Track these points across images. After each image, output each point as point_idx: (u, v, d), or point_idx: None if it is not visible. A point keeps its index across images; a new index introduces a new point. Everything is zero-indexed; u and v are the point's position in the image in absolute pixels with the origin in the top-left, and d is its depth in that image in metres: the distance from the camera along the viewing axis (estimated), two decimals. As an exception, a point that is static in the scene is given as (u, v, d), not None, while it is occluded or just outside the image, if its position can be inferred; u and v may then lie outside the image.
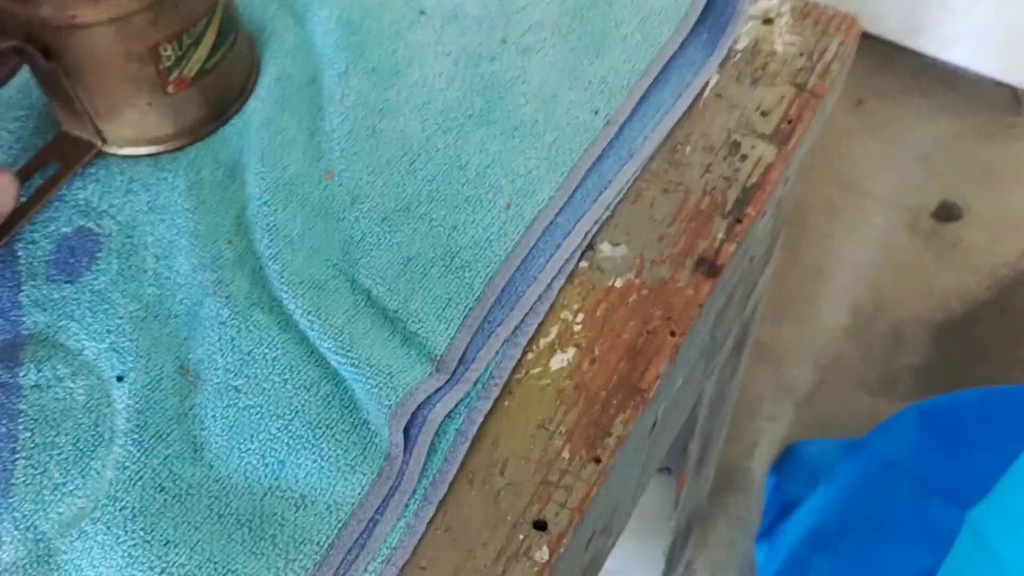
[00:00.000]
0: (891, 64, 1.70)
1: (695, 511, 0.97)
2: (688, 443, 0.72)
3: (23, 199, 0.50)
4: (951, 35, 1.59)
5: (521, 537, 0.43)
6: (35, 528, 0.43)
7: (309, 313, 0.47)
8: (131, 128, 0.51)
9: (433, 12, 0.56)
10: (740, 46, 0.56)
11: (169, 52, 0.48)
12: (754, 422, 1.45)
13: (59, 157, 0.52)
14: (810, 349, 1.50)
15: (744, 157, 0.52)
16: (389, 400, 0.44)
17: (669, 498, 0.80)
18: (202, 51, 0.50)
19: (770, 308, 1.52)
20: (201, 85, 0.51)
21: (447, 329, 0.47)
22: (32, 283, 0.48)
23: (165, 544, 0.42)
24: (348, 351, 0.46)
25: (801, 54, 0.55)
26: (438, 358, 0.46)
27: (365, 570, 0.42)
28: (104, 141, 0.52)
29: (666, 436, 0.58)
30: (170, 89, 0.50)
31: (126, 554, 0.42)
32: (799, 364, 1.49)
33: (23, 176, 0.51)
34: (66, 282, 0.48)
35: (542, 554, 0.43)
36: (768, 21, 0.56)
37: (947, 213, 1.58)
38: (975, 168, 1.62)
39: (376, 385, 0.45)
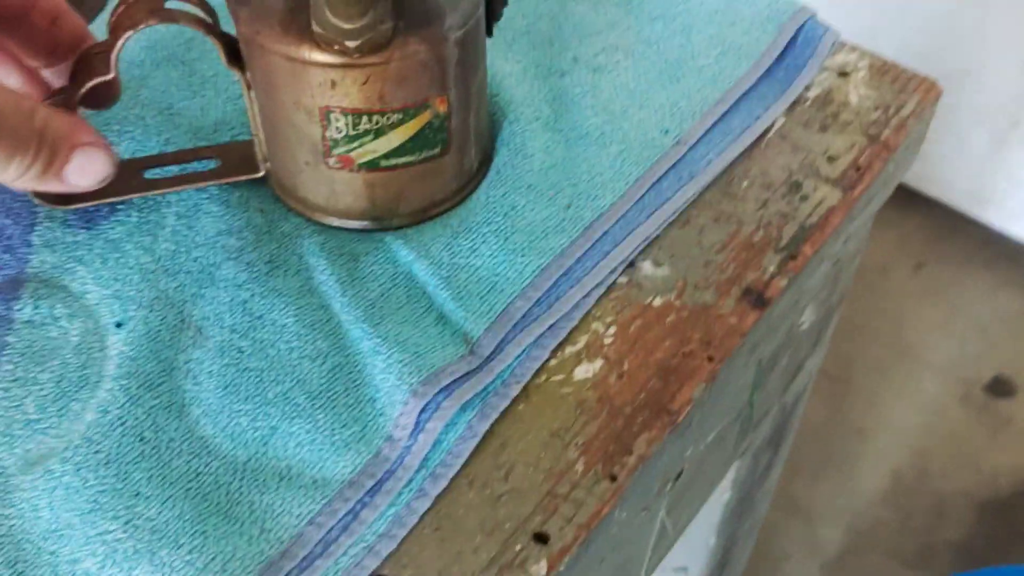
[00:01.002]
0: (955, 232, 1.68)
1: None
2: (708, 538, 0.67)
3: (169, 174, 0.48)
4: (1019, 208, 1.57)
5: (518, 548, 0.39)
6: (-3, 461, 0.40)
7: (343, 282, 0.44)
8: (286, 176, 0.47)
9: (503, 27, 0.55)
10: (811, 94, 0.54)
11: (340, 124, 0.43)
12: (777, 579, 1.37)
13: (224, 160, 0.48)
14: (845, 511, 1.43)
15: (805, 197, 0.49)
16: (412, 378, 0.41)
17: (684, 605, 0.74)
18: (379, 145, 0.44)
19: (807, 463, 1.46)
20: (369, 178, 0.45)
21: (489, 311, 0.44)
22: (48, 224, 0.46)
23: (136, 495, 0.39)
24: (377, 323, 0.43)
25: (876, 108, 0.53)
26: (474, 341, 0.43)
27: (344, 553, 0.38)
28: (269, 174, 0.48)
29: (689, 502, 0.53)
30: (331, 162, 0.44)
31: (92, 500, 0.38)
32: (832, 525, 1.42)
33: (183, 158, 0.48)
34: (82, 228, 0.46)
35: (539, 568, 0.39)
36: (844, 74, 0.54)
37: (1001, 388, 1.52)
38: (1034, 347, 1.57)
39: (400, 361, 0.41)
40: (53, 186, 0.43)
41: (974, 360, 1.55)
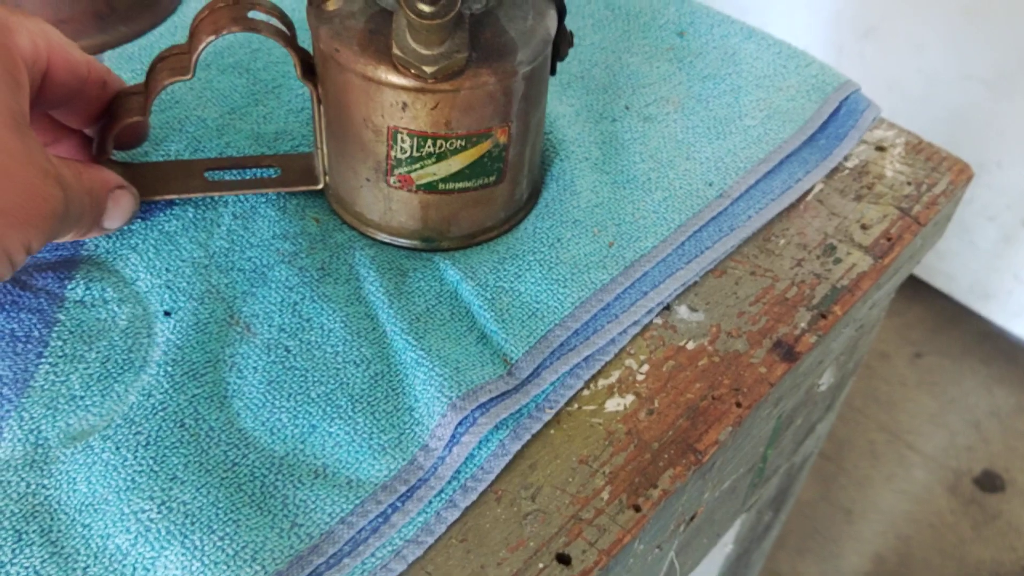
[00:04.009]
0: (955, 325, 1.70)
1: None
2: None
3: (231, 178, 0.49)
4: (1020, 307, 1.59)
5: (541, 566, 0.40)
6: (39, 432, 0.40)
7: (390, 294, 0.46)
8: (344, 190, 0.48)
9: (561, 70, 0.57)
10: (849, 164, 0.55)
11: (406, 144, 0.44)
12: (755, 651, 1.37)
13: (285, 169, 0.49)
14: (826, 590, 1.43)
15: (838, 260, 0.51)
16: (451, 392, 0.42)
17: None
18: (439, 168, 0.45)
19: (794, 537, 1.46)
20: (424, 200, 0.46)
21: (529, 336, 0.45)
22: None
23: (172, 479, 0.40)
24: (421, 337, 0.44)
25: (909, 183, 0.55)
26: (512, 363, 0.44)
27: (372, 555, 0.39)
28: (327, 187, 0.49)
29: (697, 546, 0.54)
30: (391, 181, 0.46)
31: (129, 478, 0.39)
32: (811, 603, 1.42)
33: (245, 163, 0.50)
34: (139, 218, 0.48)
35: (560, 587, 0.40)
36: (881, 148, 0.56)
37: (990, 483, 1.53)
38: (1024, 446, 1.58)
39: (441, 375, 0.43)
40: (92, 234, 0.44)
41: (965, 452, 1.56)
